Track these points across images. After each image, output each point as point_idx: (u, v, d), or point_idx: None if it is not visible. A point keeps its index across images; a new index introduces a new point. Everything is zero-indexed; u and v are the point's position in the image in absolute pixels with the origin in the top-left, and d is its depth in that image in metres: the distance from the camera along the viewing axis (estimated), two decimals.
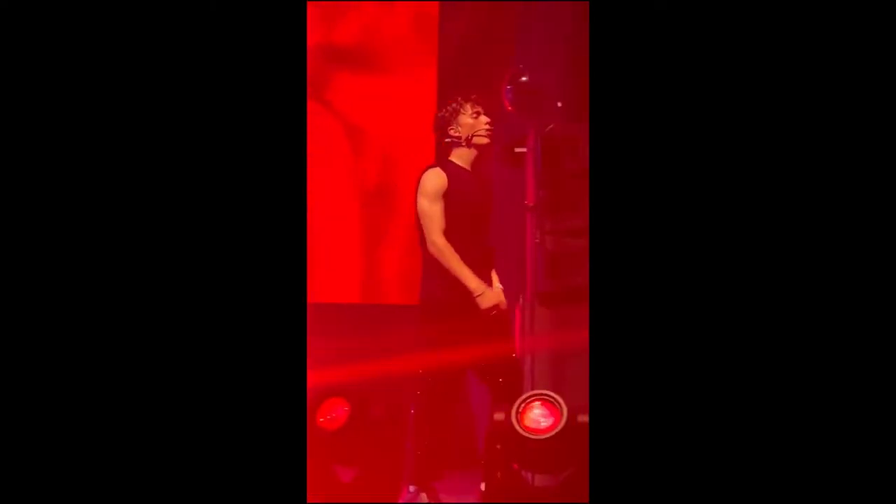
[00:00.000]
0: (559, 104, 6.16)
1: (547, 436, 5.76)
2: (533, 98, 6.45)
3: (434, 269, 5.64)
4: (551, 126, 6.46)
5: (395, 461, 6.19)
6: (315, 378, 4.99)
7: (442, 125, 5.79)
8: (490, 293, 5.62)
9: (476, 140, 5.73)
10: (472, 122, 5.73)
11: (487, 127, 5.72)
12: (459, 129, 5.74)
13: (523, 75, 6.48)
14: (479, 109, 5.74)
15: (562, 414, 5.78)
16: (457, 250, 5.64)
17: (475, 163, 5.76)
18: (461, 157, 5.76)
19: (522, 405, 5.83)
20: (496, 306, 5.62)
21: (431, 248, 5.64)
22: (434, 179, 5.68)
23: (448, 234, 5.64)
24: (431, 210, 5.63)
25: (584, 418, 5.76)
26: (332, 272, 7.35)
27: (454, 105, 5.78)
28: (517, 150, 6.49)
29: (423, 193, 5.67)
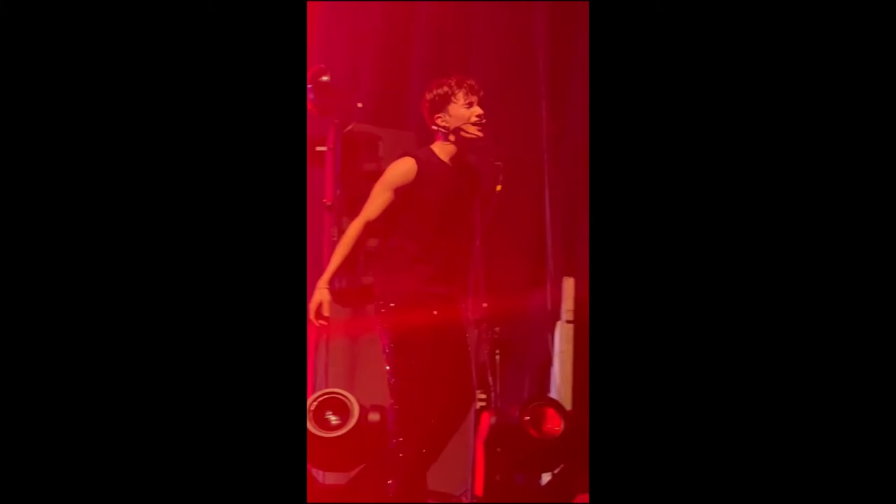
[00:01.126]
0: (359, 105, 6.10)
1: (337, 434, 6.07)
2: (333, 98, 6.08)
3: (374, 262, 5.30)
4: (351, 126, 6.03)
5: None
6: None
7: (430, 111, 5.19)
8: (317, 294, 5.09)
9: (464, 134, 5.16)
10: (463, 113, 5.14)
11: (478, 119, 5.13)
12: (448, 118, 5.16)
13: (324, 74, 6.05)
14: (473, 99, 5.15)
15: (352, 413, 6.11)
16: (424, 251, 5.15)
17: (458, 156, 5.21)
18: (444, 148, 5.20)
19: (314, 404, 6.06)
20: (317, 310, 5.06)
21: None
22: (397, 169, 5.16)
23: (418, 232, 5.16)
24: (375, 197, 5.13)
25: (375, 417, 6.14)
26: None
27: (445, 89, 5.17)
28: (318, 149, 6.16)
29: (381, 179, 5.18)
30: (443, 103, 5.14)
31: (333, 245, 5.82)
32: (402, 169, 5.12)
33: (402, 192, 5.12)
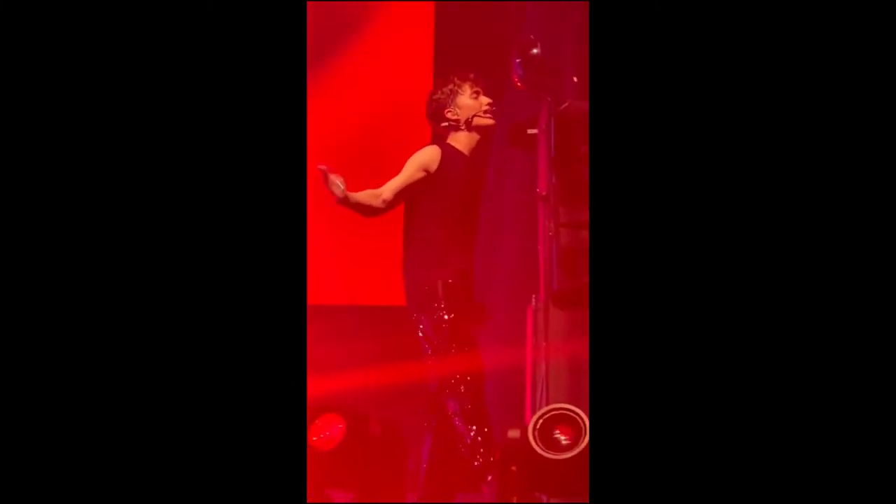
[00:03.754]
0: (575, 79, 5.56)
1: (569, 455, 5.36)
2: (545, 72, 5.77)
3: (417, 258, 5.30)
4: (566, 104, 5.66)
5: (395, 482, 5.71)
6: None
7: (438, 109, 5.40)
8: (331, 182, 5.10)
9: (477, 122, 5.36)
10: (472, 104, 5.37)
11: (489, 108, 5.37)
12: (458, 111, 5.37)
13: (534, 46, 5.73)
14: (479, 90, 5.39)
15: (584, 431, 5.39)
16: (441, 239, 5.29)
17: (476, 149, 5.39)
18: (460, 141, 5.38)
19: (540, 421, 5.41)
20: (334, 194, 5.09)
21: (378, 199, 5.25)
22: (427, 153, 5.31)
23: (435, 221, 5.29)
24: (404, 174, 5.26)
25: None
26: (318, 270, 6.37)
27: (451, 86, 5.40)
28: (530, 131, 5.87)
29: (410, 161, 5.30)
30: (450, 98, 5.35)
31: (550, 240, 5.76)
32: (433, 154, 5.27)
33: (422, 183, 5.26)
